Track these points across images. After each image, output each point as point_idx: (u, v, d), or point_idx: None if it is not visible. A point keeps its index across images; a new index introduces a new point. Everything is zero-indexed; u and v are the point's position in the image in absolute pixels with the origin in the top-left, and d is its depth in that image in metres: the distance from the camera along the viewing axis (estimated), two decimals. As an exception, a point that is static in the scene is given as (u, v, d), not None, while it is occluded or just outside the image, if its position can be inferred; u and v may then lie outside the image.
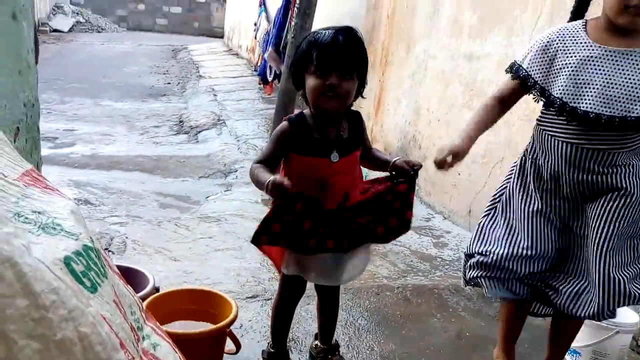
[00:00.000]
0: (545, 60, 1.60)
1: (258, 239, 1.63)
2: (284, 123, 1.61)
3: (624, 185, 1.56)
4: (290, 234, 1.60)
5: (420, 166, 1.72)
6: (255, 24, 9.13)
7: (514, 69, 1.70)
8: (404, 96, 4.36)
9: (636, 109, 1.46)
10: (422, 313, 2.40)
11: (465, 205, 3.43)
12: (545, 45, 1.60)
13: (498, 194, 1.87)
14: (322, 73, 1.50)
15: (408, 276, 2.74)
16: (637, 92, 1.46)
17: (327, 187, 1.60)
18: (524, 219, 1.71)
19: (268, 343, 1.92)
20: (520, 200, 1.74)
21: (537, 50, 1.63)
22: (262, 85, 7.59)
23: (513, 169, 1.85)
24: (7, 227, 0.70)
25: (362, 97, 1.66)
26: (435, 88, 3.87)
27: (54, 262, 0.72)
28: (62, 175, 4.01)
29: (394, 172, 1.72)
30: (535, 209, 1.69)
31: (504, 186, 1.87)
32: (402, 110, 4.36)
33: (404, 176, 1.70)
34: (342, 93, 1.52)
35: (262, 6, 9.14)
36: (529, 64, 1.65)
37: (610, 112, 1.47)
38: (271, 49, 6.48)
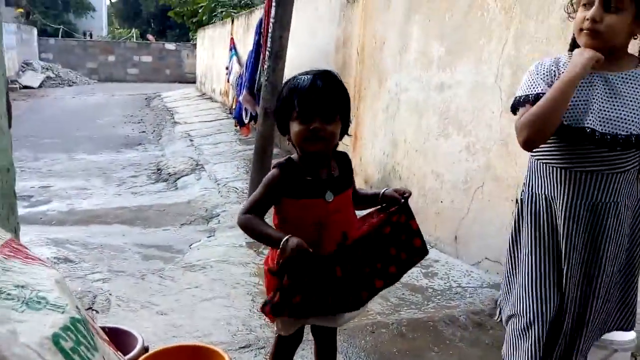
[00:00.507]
0: (548, 84, 1.54)
1: (281, 311, 1.57)
2: (274, 170, 1.59)
3: None
4: (309, 300, 1.56)
5: (410, 194, 1.71)
6: (227, 68, 9.25)
7: (522, 100, 1.62)
8: (379, 129, 4.41)
9: (634, 127, 1.45)
10: (419, 348, 2.36)
11: (451, 232, 3.44)
12: (546, 72, 1.57)
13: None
14: (304, 119, 1.51)
15: (402, 310, 2.70)
16: (635, 111, 1.47)
17: (325, 229, 1.57)
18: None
19: (266, 395, 1.85)
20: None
21: (539, 75, 1.58)
22: (238, 127, 7.63)
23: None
24: (-8, 312, 0.66)
25: (348, 135, 1.67)
26: (410, 119, 3.93)
27: (42, 343, 0.69)
28: (39, 234, 3.91)
29: (384, 204, 1.72)
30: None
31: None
32: (380, 143, 4.40)
33: (396, 204, 1.70)
34: (326, 136, 1.52)
35: (233, 50, 9.27)
36: (532, 88, 1.58)
37: (612, 131, 1.45)
38: (245, 92, 6.56)
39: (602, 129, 1.47)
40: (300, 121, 1.52)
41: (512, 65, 2.91)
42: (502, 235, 2.98)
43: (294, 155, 1.63)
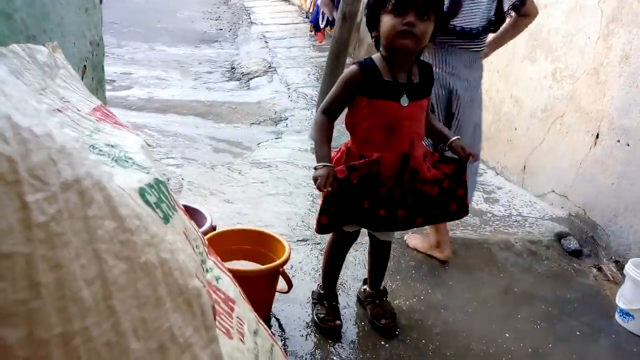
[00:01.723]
0: None
1: (321, 227, 1.66)
2: (354, 67, 1.59)
3: None
4: (351, 213, 1.64)
5: (476, 159, 1.71)
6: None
7: None
8: (461, 46, 4.19)
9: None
10: (470, 266, 2.40)
11: (520, 161, 3.33)
12: None
13: None
14: (399, 11, 1.48)
15: (457, 230, 2.72)
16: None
17: (395, 133, 1.59)
18: None
19: (318, 285, 1.98)
20: None
21: None
22: (313, 33, 7.48)
23: None
24: (92, 155, 0.73)
25: (433, 44, 1.63)
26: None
27: (131, 191, 0.76)
28: (120, 117, 4.13)
29: (446, 150, 1.73)
30: None
31: None
32: (459, 62, 4.20)
33: (456, 161, 1.69)
34: (418, 33, 1.49)
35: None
36: None
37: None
38: None
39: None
40: (394, 13, 1.49)
41: (622, -14, 2.63)
42: (574, 170, 2.88)
43: (376, 55, 1.62)
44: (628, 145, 2.54)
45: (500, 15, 2.12)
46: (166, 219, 0.89)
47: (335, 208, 1.64)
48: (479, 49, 2.18)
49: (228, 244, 1.90)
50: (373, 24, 1.59)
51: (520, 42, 3.41)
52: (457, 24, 2.04)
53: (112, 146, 1.00)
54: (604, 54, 2.72)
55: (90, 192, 0.59)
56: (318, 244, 2.37)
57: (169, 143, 3.70)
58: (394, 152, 1.61)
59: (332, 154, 1.73)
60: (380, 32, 1.56)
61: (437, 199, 1.69)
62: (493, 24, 2.12)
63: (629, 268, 2.11)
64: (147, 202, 0.86)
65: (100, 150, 0.96)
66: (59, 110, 0.99)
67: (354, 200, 1.63)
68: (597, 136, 2.73)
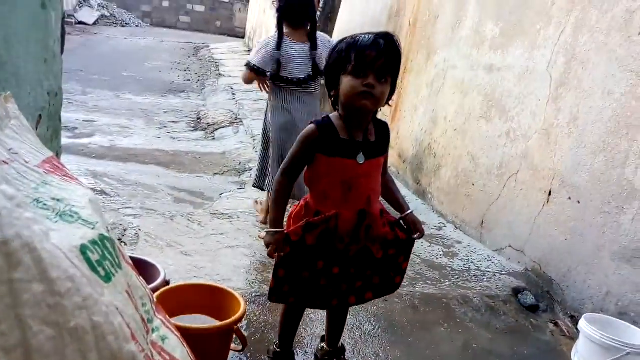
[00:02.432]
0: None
1: (277, 296, 1.72)
2: (311, 126, 1.63)
3: None
4: (300, 284, 1.68)
5: (421, 237, 1.77)
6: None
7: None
8: (421, 104, 4.35)
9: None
10: (430, 322, 2.39)
11: (478, 216, 3.41)
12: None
13: None
14: (359, 73, 1.53)
15: (417, 284, 2.73)
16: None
17: (352, 189, 1.62)
18: None
19: (274, 342, 1.93)
20: None
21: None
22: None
23: None
24: (28, 212, 0.71)
25: (389, 105, 1.68)
26: (454, 97, 3.86)
27: (71, 250, 0.74)
28: (79, 165, 4.07)
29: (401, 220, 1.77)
30: None
31: None
32: (419, 118, 4.35)
33: (407, 233, 1.75)
34: (377, 94, 1.54)
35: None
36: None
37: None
38: None
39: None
40: (354, 75, 1.54)
41: (567, 54, 2.81)
42: (529, 226, 2.95)
43: (333, 114, 1.65)
44: (579, 202, 2.64)
45: (316, 70, 3.02)
46: (107, 278, 0.86)
47: (285, 274, 1.66)
48: (308, 91, 3.11)
49: (181, 298, 1.84)
50: (332, 84, 1.64)
51: (475, 102, 3.57)
52: (284, 75, 3.02)
53: (58, 200, 0.98)
54: (554, 116, 2.86)
55: (18, 254, 0.57)
56: (276, 299, 2.33)
57: (129, 192, 3.63)
58: (351, 208, 1.63)
59: (293, 208, 1.73)
60: (339, 92, 1.60)
61: (380, 265, 1.72)
62: (311, 77, 3.05)
63: (582, 324, 2.14)
64: (87, 260, 0.83)
65: (45, 205, 0.94)
66: (5, 162, 0.97)
67: (307, 264, 1.64)
68: (550, 193, 2.83)
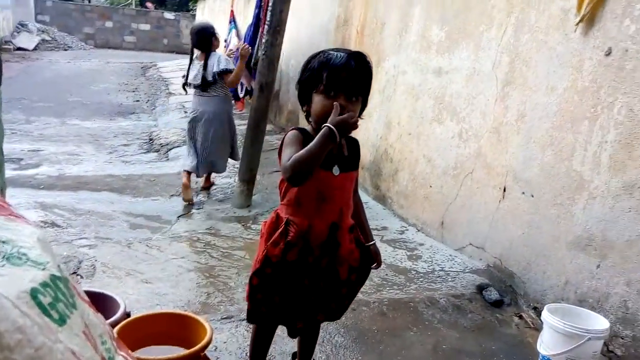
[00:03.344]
0: None
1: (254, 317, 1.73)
2: (294, 131, 1.60)
3: None
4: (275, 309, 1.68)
5: (377, 267, 1.80)
6: (225, 40, 9.11)
7: None
8: (374, 110, 4.40)
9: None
10: (399, 327, 2.40)
11: (438, 217, 3.47)
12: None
13: None
14: (330, 93, 1.54)
15: (384, 290, 2.74)
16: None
17: (326, 200, 1.62)
18: None
19: (244, 365, 1.89)
20: None
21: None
22: (233, 102, 7.56)
23: None
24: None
25: (361, 118, 1.67)
26: (406, 102, 3.92)
27: (19, 296, 0.69)
28: (27, 198, 3.90)
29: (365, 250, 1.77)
30: None
31: None
32: (374, 125, 4.40)
33: (366, 261, 1.76)
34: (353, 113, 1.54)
35: (232, 23, 9.14)
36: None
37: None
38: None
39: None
40: (325, 95, 1.54)
41: (511, 54, 2.91)
42: (487, 222, 3.02)
43: (308, 128, 1.65)
44: (532, 196, 2.72)
45: (205, 81, 4.16)
46: (62, 321, 0.82)
47: (262, 296, 1.66)
48: (207, 96, 4.21)
49: (145, 329, 1.77)
50: (304, 100, 1.64)
51: (427, 105, 3.64)
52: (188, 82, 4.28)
53: (3, 242, 0.93)
54: (503, 114, 2.95)
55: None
56: (243, 320, 2.28)
57: (82, 222, 3.50)
58: (324, 220, 1.62)
59: (268, 221, 1.70)
60: (311, 108, 1.61)
61: (341, 288, 1.71)
62: (201, 85, 4.16)
63: (545, 315, 2.19)
64: (39, 305, 0.78)
65: (-11, 249, 0.88)
66: (-60, 207, 0.91)
67: (291, 281, 1.63)
68: (505, 189, 2.91)
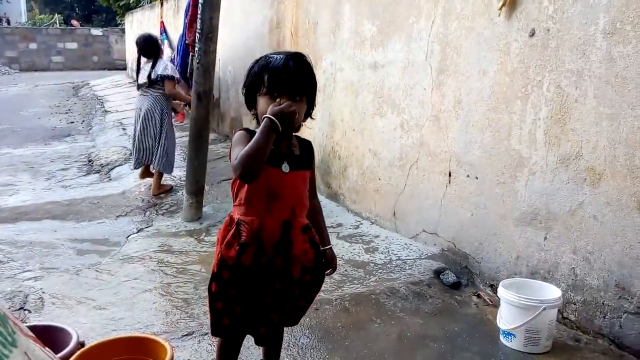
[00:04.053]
0: None
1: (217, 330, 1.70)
2: (242, 132, 1.62)
3: None
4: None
5: (332, 273, 1.81)
6: (158, 52, 8.89)
7: None
8: (317, 110, 4.39)
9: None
10: (363, 321, 2.42)
11: (389, 208, 3.51)
12: None
13: None
14: (273, 94, 1.58)
15: (344, 286, 2.75)
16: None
17: (277, 198, 1.61)
18: None
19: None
20: None
21: None
22: (173, 114, 7.39)
23: None
24: None
25: (312, 118, 1.73)
26: (346, 99, 3.96)
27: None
28: (-40, 236, 3.66)
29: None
30: None
31: None
32: (318, 124, 4.41)
33: (320, 265, 1.74)
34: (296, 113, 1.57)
35: (164, 34, 8.95)
36: None
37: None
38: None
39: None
40: (269, 97, 1.58)
41: (442, 42, 2.98)
42: (437, 208, 3.09)
43: (257, 128, 1.62)
44: (477, 178, 2.80)
45: (150, 80, 4.61)
46: (2, 362, 0.76)
47: (222, 306, 1.64)
48: (147, 94, 4.67)
49: (102, 358, 1.70)
50: (250, 104, 1.68)
51: (367, 100, 3.68)
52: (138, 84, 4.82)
53: None
54: (440, 102, 3.02)
55: None
56: (205, 334, 2.22)
57: (24, 255, 3.31)
58: (275, 219, 1.61)
59: (223, 225, 1.68)
60: (257, 111, 1.64)
61: (294, 288, 1.70)
62: (146, 85, 4.65)
63: (501, 291, 2.27)
64: (-27, 348, 0.73)
65: None
66: None
67: (250, 286, 1.62)
68: (450, 174, 2.99)
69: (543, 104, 2.41)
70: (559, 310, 2.30)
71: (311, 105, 1.67)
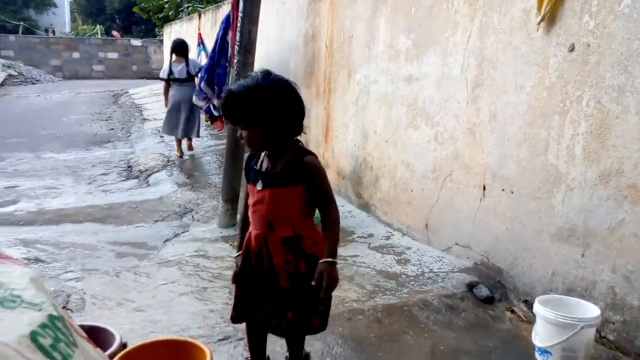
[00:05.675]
0: None
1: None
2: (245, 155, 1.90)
3: None
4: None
5: (322, 289, 1.71)
6: (195, 63, 9.12)
7: None
8: (350, 121, 4.45)
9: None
10: (395, 332, 2.42)
11: (422, 220, 3.51)
12: None
13: None
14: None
15: (377, 297, 2.76)
16: None
17: (254, 212, 1.80)
18: None
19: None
20: None
21: None
22: (210, 122, 7.55)
23: None
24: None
25: (304, 133, 1.78)
26: (380, 111, 3.98)
27: (20, 341, 0.69)
28: (7, 235, 3.83)
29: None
30: None
31: None
32: (350, 135, 4.45)
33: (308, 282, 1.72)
34: (245, 140, 1.72)
35: (201, 45, 9.15)
36: None
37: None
38: (203, 83, 6.53)
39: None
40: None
41: (477, 56, 2.99)
42: (470, 221, 3.07)
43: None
44: (512, 192, 2.78)
45: (188, 75, 6.38)
46: None
47: (237, 292, 1.88)
48: (185, 85, 6.40)
49: (143, 359, 1.76)
50: None
51: (401, 112, 3.70)
52: (172, 77, 6.45)
53: (-6, 286, 0.92)
54: (475, 115, 3.02)
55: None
56: (241, 339, 2.27)
57: (66, 255, 3.45)
58: (255, 230, 1.80)
59: None
60: None
61: (289, 298, 1.76)
62: (186, 79, 6.37)
63: (537, 307, 2.24)
64: (40, 348, 0.78)
65: (-19, 294, 0.87)
66: None
67: (244, 278, 1.85)
68: (484, 188, 2.97)
69: (582, 119, 2.38)
70: (597, 330, 2.26)
71: (270, 130, 1.67)
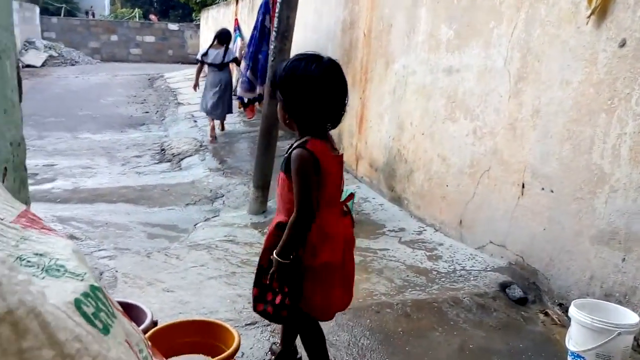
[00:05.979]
0: None
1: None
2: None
3: None
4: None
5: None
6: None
7: None
8: (385, 112, 4.39)
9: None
10: (424, 328, 2.39)
11: (456, 216, 3.44)
12: None
13: None
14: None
15: (406, 291, 2.72)
16: None
17: None
18: None
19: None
20: None
21: None
22: (242, 109, 7.60)
23: None
24: (21, 274, 0.67)
25: (304, 123, 1.74)
26: (417, 102, 3.91)
27: (67, 306, 0.69)
28: (45, 212, 3.93)
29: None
30: None
31: None
32: (385, 126, 4.39)
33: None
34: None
35: (237, 31, 9.19)
36: None
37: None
38: (249, 72, 6.62)
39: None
40: None
41: (522, 49, 2.89)
42: (507, 220, 3.00)
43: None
44: (552, 191, 2.69)
45: (222, 61, 6.74)
46: (106, 330, 0.82)
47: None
48: (221, 71, 6.80)
49: (173, 338, 1.78)
50: None
51: (439, 105, 3.63)
52: (207, 61, 6.81)
53: (41, 255, 0.93)
54: (517, 110, 2.93)
55: (24, 321, 0.53)
56: (268, 325, 2.28)
57: (100, 234, 3.52)
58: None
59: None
60: None
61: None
62: (221, 64, 6.76)
63: (572, 311, 2.17)
64: (84, 315, 0.79)
65: (29, 262, 0.89)
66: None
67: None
68: (523, 186, 2.89)
69: (630, 118, 2.28)
70: (635, 338, 2.18)
71: (288, 110, 1.72)
